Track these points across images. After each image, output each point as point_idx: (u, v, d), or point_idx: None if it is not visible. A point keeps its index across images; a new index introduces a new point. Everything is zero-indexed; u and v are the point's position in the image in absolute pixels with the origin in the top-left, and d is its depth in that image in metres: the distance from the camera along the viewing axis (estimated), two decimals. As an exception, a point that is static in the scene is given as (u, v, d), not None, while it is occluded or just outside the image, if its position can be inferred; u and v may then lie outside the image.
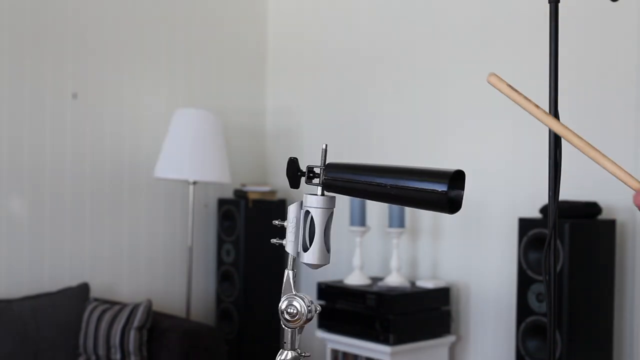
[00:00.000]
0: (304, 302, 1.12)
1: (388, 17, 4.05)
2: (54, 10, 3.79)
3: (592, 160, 0.90)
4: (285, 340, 1.14)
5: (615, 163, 0.89)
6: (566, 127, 0.95)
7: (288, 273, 1.14)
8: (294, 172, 1.13)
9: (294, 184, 1.13)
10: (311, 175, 1.13)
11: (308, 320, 1.12)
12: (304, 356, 1.14)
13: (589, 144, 0.91)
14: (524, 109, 0.96)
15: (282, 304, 1.13)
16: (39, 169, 3.73)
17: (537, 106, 0.95)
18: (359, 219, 3.68)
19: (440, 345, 3.55)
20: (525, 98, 0.95)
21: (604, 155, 0.89)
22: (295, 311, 1.11)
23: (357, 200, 3.61)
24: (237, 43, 4.60)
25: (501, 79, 0.97)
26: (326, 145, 1.13)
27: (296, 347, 1.14)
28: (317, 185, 1.13)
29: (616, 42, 3.17)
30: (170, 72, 4.26)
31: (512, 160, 3.47)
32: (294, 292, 1.13)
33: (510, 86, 0.97)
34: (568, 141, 0.93)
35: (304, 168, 1.14)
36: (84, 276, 3.82)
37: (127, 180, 4.06)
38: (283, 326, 1.14)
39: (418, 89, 3.89)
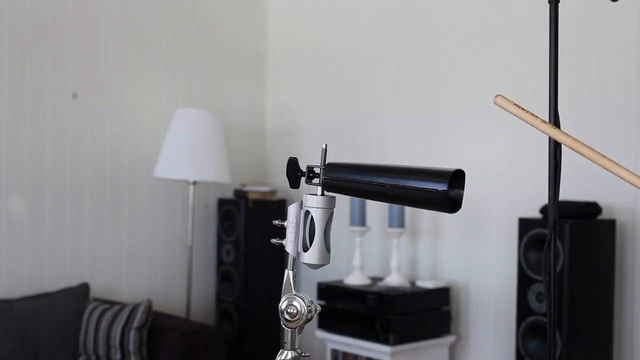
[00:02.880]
0: (304, 302, 1.12)
1: (388, 17, 4.05)
2: (54, 10, 3.79)
3: (604, 168, 0.90)
4: (285, 340, 1.14)
5: (627, 170, 0.89)
6: (575, 139, 0.95)
7: (288, 273, 1.14)
8: (294, 172, 1.13)
9: (294, 184, 1.12)
10: (311, 175, 1.13)
11: (308, 320, 1.12)
12: (304, 356, 1.14)
13: (598, 152, 0.90)
14: (532, 125, 0.95)
15: (282, 304, 1.13)
16: (39, 169, 3.73)
17: (544, 121, 0.95)
18: (359, 219, 3.68)
19: (440, 345, 3.55)
20: (532, 115, 0.95)
21: (616, 163, 0.89)
22: (295, 311, 1.11)
23: (357, 200, 3.61)
24: (237, 43, 4.60)
25: (507, 100, 0.97)
26: (326, 145, 1.13)
27: (296, 347, 1.14)
28: (317, 185, 1.12)
29: (616, 42, 3.17)
30: (170, 72, 4.26)
31: (512, 160, 3.47)
32: (294, 292, 1.13)
33: (517, 105, 0.97)
34: (578, 152, 0.93)
35: (304, 168, 1.14)
36: (84, 276, 3.82)
37: (127, 180, 4.06)
38: (283, 326, 1.14)
39: (418, 88, 3.89)
